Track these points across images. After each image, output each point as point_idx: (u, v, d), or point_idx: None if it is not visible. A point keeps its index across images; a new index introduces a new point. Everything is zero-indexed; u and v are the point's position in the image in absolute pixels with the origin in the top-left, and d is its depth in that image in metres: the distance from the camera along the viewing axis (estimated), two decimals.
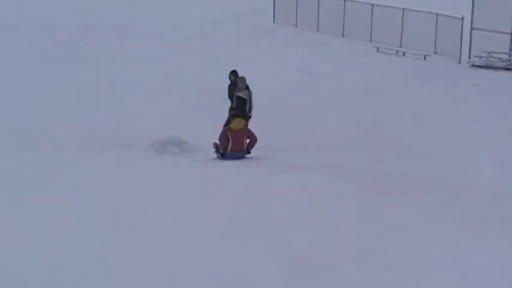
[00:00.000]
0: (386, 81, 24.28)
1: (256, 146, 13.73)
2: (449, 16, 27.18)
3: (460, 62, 26.64)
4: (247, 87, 15.38)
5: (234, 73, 15.84)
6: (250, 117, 15.38)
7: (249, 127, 13.35)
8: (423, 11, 28.38)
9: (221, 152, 13.01)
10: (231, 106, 14.96)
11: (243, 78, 15.48)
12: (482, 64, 26.10)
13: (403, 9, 29.31)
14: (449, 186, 11.85)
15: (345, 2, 31.66)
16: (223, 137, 13.00)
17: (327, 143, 16.42)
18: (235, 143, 13.13)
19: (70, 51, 27.92)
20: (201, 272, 6.84)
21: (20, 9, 34.41)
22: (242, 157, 13.10)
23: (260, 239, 7.89)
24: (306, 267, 7.12)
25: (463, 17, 26.46)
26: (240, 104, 15.26)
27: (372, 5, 30.43)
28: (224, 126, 13.35)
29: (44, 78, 22.65)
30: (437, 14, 27.75)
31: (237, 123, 13.16)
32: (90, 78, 23.03)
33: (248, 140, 13.22)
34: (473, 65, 26.23)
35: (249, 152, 13.47)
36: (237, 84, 15.45)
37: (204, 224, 8.39)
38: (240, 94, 15.31)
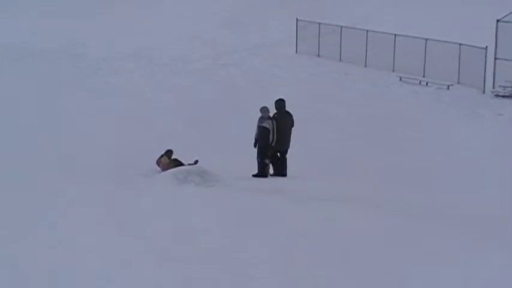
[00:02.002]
0: (409, 111, 24.19)
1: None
2: (473, 46, 27.08)
3: (484, 92, 26.47)
4: (270, 118, 15.39)
5: (277, 102, 15.73)
6: (273, 147, 15.36)
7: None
8: (446, 41, 28.32)
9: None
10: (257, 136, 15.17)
11: (266, 108, 15.50)
12: (507, 94, 25.90)
13: (426, 39, 29.26)
14: (475, 216, 11.71)
15: (367, 32, 31.69)
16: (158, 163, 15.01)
17: (348, 172, 16.38)
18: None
19: (92, 80, 28.16)
20: None
21: (42, 39, 34.84)
22: None
23: (283, 271, 7.82)
24: None
25: (486, 47, 26.35)
26: (263, 134, 15.28)
27: (395, 35, 30.43)
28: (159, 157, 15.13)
29: (67, 106, 22.88)
30: (460, 44, 27.66)
31: (164, 159, 15.00)
32: (112, 106, 23.22)
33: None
34: (497, 95, 26.04)
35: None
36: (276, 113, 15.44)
37: (231, 257, 8.31)
38: (263, 124, 15.32)
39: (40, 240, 8.29)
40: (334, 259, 8.29)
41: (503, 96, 25.87)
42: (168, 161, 15.01)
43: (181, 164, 14.74)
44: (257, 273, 7.66)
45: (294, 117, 15.63)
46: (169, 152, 15.15)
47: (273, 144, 15.28)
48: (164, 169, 14.62)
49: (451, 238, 9.61)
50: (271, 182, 14.83)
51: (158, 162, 15.05)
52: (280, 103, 15.70)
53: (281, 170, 15.65)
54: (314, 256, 8.36)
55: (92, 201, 10.67)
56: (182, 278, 7.39)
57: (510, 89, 25.91)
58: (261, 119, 15.43)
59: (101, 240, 8.56)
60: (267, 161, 15.48)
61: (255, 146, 15.49)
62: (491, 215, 12.22)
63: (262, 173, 15.48)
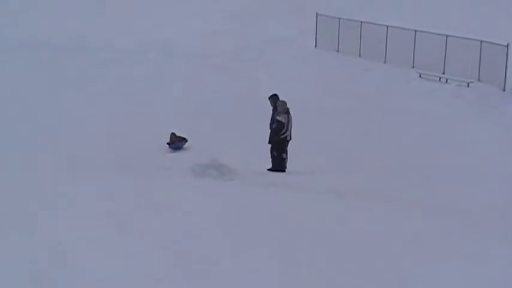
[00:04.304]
0: (428, 109, 24.03)
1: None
2: (494, 43, 26.84)
3: (504, 90, 26.24)
4: (287, 111, 15.41)
5: (272, 97, 15.86)
6: (283, 139, 15.37)
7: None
8: (467, 38, 28.07)
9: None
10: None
11: (282, 102, 15.54)
12: None
13: (447, 36, 29.04)
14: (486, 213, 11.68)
15: (387, 28, 31.51)
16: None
17: (366, 167, 16.35)
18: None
19: (111, 72, 28.26)
20: None
21: (62, 32, 35.02)
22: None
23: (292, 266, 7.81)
24: None
25: (507, 44, 26.12)
26: (279, 127, 15.33)
27: (415, 31, 30.23)
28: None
29: (86, 98, 23.00)
30: (481, 41, 27.42)
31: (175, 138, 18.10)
32: (131, 99, 23.33)
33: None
34: None
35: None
36: (276, 109, 15.54)
37: (241, 249, 8.32)
38: (279, 118, 15.38)
39: (40, 240, 8.29)
40: (337, 256, 8.29)
41: None
42: (174, 138, 17.96)
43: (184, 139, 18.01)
44: (259, 269, 7.67)
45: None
46: (172, 134, 17.96)
47: (283, 137, 15.36)
48: (173, 142, 17.79)
49: (452, 236, 9.60)
50: (287, 176, 14.84)
51: (170, 144, 17.85)
52: (275, 97, 15.75)
53: None
54: (317, 254, 8.35)
55: (102, 194, 10.67)
56: (186, 277, 7.39)
57: None
58: (277, 113, 15.47)
59: (106, 235, 8.53)
60: (284, 155, 15.53)
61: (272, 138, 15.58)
62: (494, 212, 12.19)
63: (279, 167, 15.51)
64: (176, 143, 18.00)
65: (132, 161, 14.55)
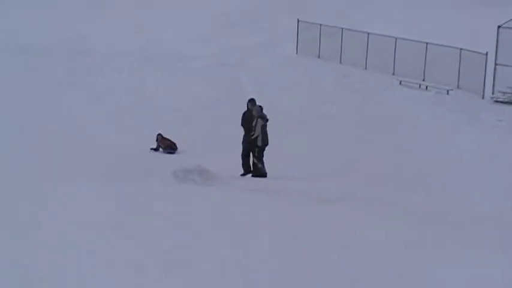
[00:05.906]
0: (408, 115, 24.24)
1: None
2: (473, 51, 27.13)
3: (483, 98, 26.53)
4: (259, 117, 15.63)
5: (251, 101, 16.05)
6: (254, 140, 15.54)
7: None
8: (447, 46, 28.36)
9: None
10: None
11: (258, 107, 15.84)
12: (506, 100, 25.96)
13: (427, 43, 29.31)
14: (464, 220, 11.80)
15: (368, 35, 31.73)
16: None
17: (346, 173, 16.44)
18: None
19: (94, 77, 28.16)
20: None
21: (44, 35, 34.80)
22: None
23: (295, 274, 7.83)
24: None
25: (487, 52, 26.41)
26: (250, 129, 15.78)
27: (396, 38, 30.47)
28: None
29: (68, 103, 22.90)
30: (461, 49, 27.71)
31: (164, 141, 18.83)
32: (112, 104, 23.28)
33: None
34: (496, 101, 26.11)
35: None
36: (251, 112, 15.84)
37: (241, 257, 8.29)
38: (254, 122, 15.71)
39: (40, 241, 8.25)
40: (334, 262, 8.32)
41: (502, 102, 25.94)
42: (162, 139, 18.58)
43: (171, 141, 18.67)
44: (257, 276, 7.68)
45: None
46: (159, 135, 18.62)
47: (259, 144, 15.57)
48: (163, 144, 18.40)
49: (448, 242, 9.66)
50: (270, 182, 14.88)
51: (158, 145, 18.49)
52: (253, 101, 16.01)
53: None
54: (315, 259, 8.38)
55: (90, 201, 10.61)
56: (182, 281, 7.38)
57: (510, 94, 25.96)
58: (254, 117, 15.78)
59: (98, 242, 8.48)
60: (259, 165, 15.72)
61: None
62: (486, 219, 12.30)
63: (259, 173, 15.61)
64: (170, 147, 18.48)
65: (119, 167, 14.50)
